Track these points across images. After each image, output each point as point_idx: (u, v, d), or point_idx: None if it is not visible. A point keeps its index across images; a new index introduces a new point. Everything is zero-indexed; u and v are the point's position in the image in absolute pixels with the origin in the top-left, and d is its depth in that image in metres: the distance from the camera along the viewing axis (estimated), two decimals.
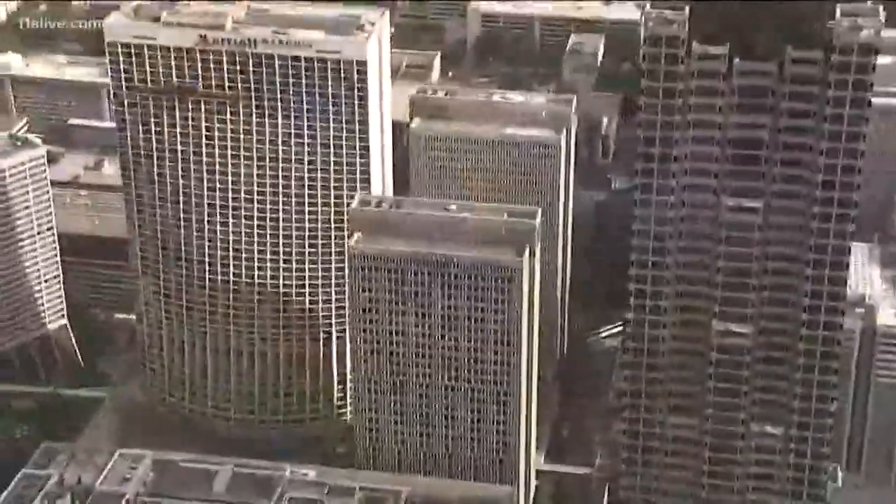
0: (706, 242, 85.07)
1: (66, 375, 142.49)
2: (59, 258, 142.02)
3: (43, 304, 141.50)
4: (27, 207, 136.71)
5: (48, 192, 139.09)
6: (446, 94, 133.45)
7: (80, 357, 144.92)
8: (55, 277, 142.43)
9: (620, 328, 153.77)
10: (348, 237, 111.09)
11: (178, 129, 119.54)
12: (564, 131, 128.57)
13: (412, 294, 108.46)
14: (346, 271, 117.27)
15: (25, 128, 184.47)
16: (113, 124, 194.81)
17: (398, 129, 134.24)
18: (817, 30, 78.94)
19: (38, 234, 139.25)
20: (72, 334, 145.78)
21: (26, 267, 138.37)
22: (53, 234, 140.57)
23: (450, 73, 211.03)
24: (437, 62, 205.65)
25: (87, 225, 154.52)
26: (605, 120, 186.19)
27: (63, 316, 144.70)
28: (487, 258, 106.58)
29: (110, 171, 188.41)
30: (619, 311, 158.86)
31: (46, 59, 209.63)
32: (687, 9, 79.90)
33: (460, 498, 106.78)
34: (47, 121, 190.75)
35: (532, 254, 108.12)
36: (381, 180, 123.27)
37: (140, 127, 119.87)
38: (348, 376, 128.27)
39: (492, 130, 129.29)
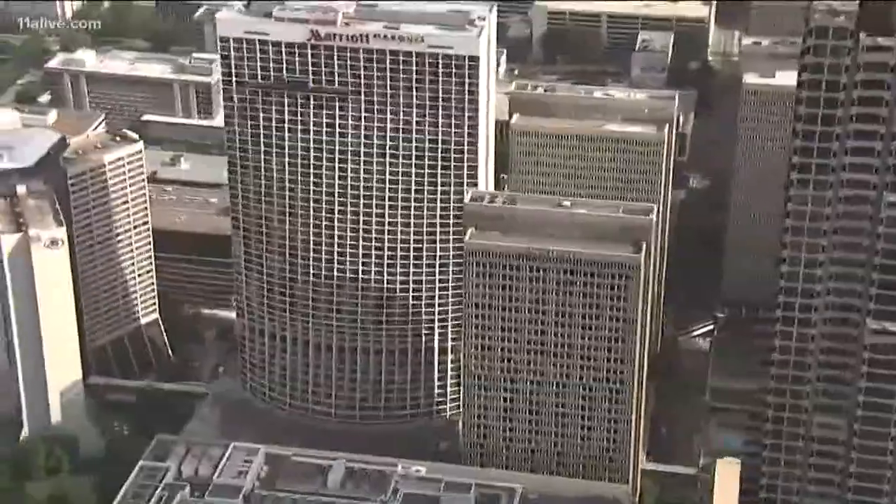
0: (863, 239, 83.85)
1: (158, 369, 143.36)
2: (152, 253, 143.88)
3: (137, 299, 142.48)
4: (125, 202, 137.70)
5: (144, 186, 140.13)
6: (546, 91, 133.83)
7: (170, 351, 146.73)
8: (148, 272, 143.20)
9: (711, 327, 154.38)
10: (463, 233, 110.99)
11: (286, 125, 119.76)
12: (666, 128, 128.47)
13: (526, 290, 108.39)
14: (461, 266, 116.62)
15: (103, 123, 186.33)
16: (186, 120, 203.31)
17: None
18: None
19: (135, 228, 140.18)
20: (163, 329, 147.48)
21: (122, 261, 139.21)
22: (148, 229, 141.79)
23: (515, 71, 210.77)
24: (503, 59, 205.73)
25: (173, 220, 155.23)
26: (680, 118, 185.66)
27: (155, 310, 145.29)
28: (605, 254, 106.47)
29: (186, 166, 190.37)
30: (703, 310, 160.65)
31: (114, 55, 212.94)
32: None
33: (576, 495, 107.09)
34: (121, 116, 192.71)
35: (648, 250, 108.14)
36: (485, 176, 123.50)
37: (248, 122, 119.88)
38: (449, 373, 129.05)
39: (593, 127, 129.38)
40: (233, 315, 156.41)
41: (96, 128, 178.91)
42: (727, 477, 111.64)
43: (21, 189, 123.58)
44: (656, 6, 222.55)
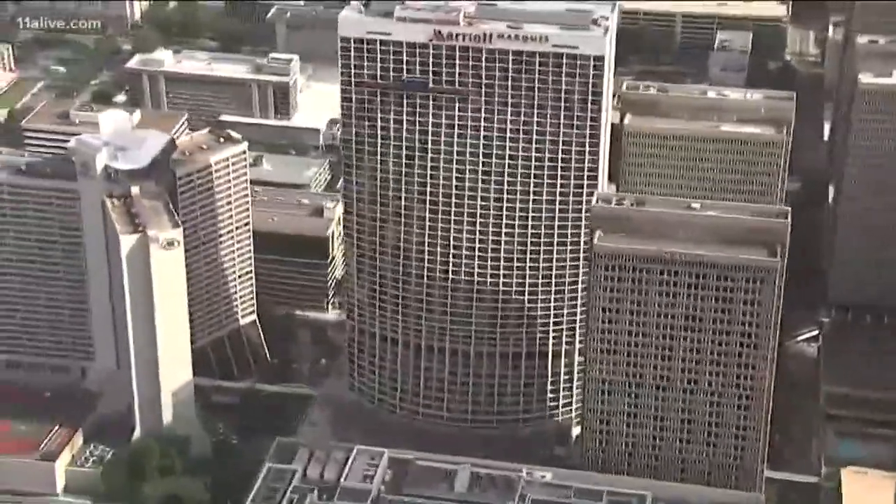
0: None
1: (257, 371, 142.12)
2: (252, 254, 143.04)
3: (237, 300, 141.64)
4: (228, 203, 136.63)
5: (247, 187, 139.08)
6: (658, 91, 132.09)
7: (267, 353, 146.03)
8: (248, 273, 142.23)
9: (815, 332, 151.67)
10: (590, 235, 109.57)
11: (403, 125, 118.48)
12: (785, 129, 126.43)
13: (655, 293, 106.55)
14: (578, 269, 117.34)
15: (185, 124, 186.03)
16: (263, 120, 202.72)
17: None
18: None
19: (237, 228, 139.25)
20: (260, 330, 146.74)
21: (224, 262, 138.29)
22: (249, 230, 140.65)
23: None
24: None
25: (267, 221, 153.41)
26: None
27: (253, 311, 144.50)
28: (741, 258, 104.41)
29: (268, 167, 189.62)
30: (806, 314, 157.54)
31: (190, 55, 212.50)
32: None
33: (709, 503, 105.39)
34: (198, 116, 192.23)
35: (783, 254, 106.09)
36: (602, 179, 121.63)
37: (366, 122, 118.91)
38: (562, 377, 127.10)
39: (708, 127, 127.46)
40: (325, 316, 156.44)
41: (179, 128, 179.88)
42: (856, 487, 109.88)
43: (135, 190, 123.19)
44: (732, 6, 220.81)
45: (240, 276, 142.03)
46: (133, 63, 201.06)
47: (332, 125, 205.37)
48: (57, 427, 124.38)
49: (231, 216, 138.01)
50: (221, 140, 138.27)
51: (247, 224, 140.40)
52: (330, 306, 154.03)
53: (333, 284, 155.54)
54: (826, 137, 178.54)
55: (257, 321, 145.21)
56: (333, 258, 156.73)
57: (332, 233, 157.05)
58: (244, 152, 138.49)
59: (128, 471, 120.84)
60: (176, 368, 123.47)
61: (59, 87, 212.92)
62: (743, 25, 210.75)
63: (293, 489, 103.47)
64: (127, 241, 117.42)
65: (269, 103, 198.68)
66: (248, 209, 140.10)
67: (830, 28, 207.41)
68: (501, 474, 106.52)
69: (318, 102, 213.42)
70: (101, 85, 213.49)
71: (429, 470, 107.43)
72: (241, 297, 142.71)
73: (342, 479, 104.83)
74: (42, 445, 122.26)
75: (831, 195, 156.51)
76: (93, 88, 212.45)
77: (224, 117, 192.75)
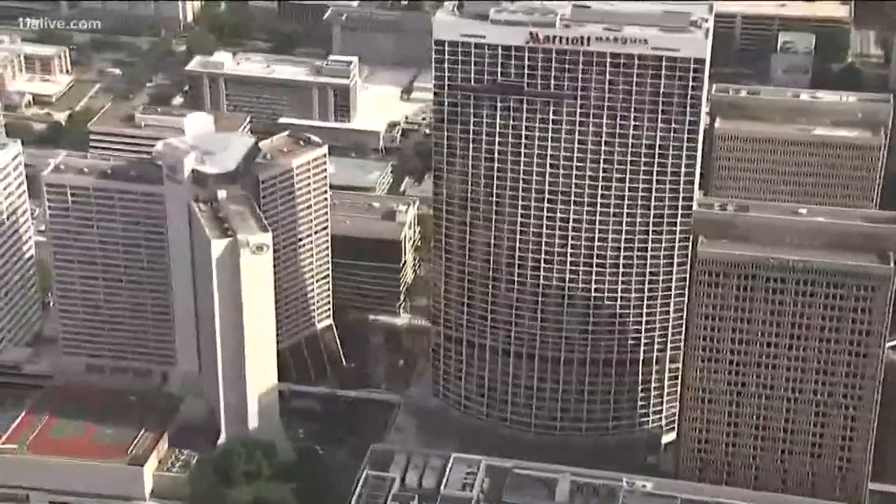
0: None
1: (333, 376, 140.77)
2: (330, 258, 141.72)
3: (314, 304, 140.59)
4: (308, 206, 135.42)
5: (326, 191, 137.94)
6: (749, 93, 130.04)
7: (343, 358, 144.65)
8: (325, 277, 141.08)
9: None
10: (693, 241, 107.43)
11: (496, 129, 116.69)
12: (882, 131, 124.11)
13: (761, 301, 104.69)
14: (671, 275, 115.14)
15: (248, 126, 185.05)
16: (322, 122, 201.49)
17: None
18: None
19: (315, 233, 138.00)
20: (336, 335, 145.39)
21: (303, 266, 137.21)
22: (327, 234, 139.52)
23: None
24: None
25: (339, 225, 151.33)
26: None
27: (329, 316, 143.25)
28: (853, 265, 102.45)
29: (332, 170, 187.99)
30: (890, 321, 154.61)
31: (247, 57, 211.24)
32: None
33: None
34: (258, 119, 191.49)
35: None
36: (696, 183, 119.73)
37: (458, 125, 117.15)
38: (653, 384, 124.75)
39: (801, 131, 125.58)
40: (398, 321, 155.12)
41: (243, 130, 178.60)
42: None
43: (221, 194, 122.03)
44: (793, 7, 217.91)
45: (318, 281, 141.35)
46: (193, 65, 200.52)
47: (392, 128, 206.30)
48: (143, 431, 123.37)
49: (311, 220, 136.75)
50: (301, 143, 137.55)
51: (325, 228, 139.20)
52: (401, 310, 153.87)
53: (405, 288, 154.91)
54: None
55: (333, 325, 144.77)
56: (405, 262, 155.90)
57: (405, 236, 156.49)
58: (324, 156, 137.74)
59: (215, 475, 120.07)
60: (262, 373, 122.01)
61: (116, 90, 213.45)
62: (804, 27, 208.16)
63: (393, 497, 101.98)
64: (217, 246, 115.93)
65: (328, 106, 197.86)
66: (327, 213, 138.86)
67: None
68: (602, 483, 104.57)
69: (375, 105, 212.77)
70: (157, 87, 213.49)
71: (527, 478, 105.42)
72: (318, 301, 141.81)
73: (441, 487, 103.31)
74: (130, 449, 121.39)
75: None
76: (149, 90, 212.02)
77: (283, 120, 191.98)
